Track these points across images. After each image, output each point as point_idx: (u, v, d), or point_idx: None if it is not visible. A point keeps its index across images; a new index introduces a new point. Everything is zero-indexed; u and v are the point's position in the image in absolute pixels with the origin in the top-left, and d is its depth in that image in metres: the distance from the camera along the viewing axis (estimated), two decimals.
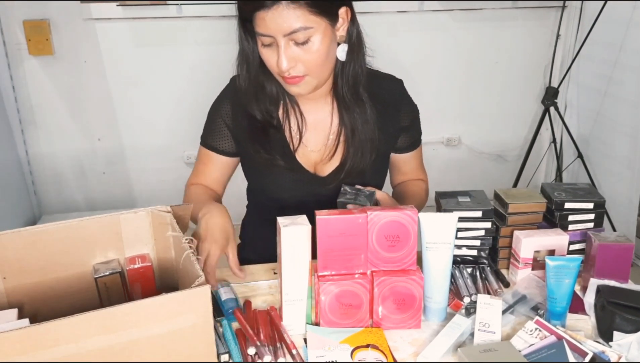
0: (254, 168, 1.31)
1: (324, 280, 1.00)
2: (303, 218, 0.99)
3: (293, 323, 1.02)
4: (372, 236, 1.00)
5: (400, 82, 1.34)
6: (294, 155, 1.27)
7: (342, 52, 1.18)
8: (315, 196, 1.27)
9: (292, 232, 0.97)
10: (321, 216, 0.98)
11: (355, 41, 1.20)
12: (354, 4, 1.18)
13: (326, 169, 1.28)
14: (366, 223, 0.99)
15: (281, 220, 0.99)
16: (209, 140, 1.32)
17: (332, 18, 1.13)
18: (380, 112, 1.27)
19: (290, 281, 1.00)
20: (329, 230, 0.98)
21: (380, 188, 1.30)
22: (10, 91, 2.46)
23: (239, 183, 1.40)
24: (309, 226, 0.97)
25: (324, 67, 1.16)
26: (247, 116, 1.26)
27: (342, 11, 1.15)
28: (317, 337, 1.00)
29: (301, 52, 1.11)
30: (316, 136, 1.29)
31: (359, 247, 1.00)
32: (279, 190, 1.29)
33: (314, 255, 1.00)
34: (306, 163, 1.28)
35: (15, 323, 0.84)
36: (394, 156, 1.37)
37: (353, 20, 1.18)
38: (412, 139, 1.36)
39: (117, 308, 0.73)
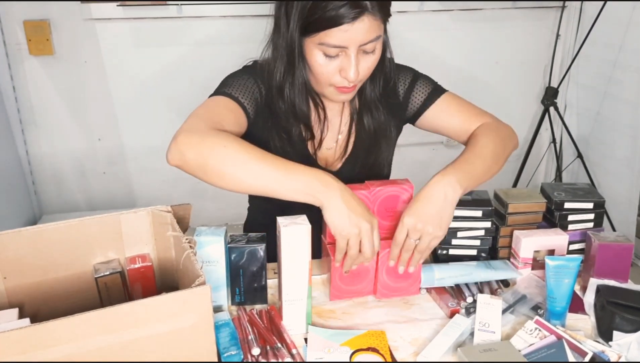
0: None
1: (334, 251, 1.04)
2: (303, 218, 1.00)
3: (293, 323, 1.03)
4: (374, 210, 1.10)
5: (392, 60, 1.28)
6: (311, 155, 1.24)
7: None
8: None
9: (292, 232, 0.97)
10: None
11: (387, 45, 1.19)
12: None
13: (336, 165, 1.27)
14: (369, 199, 1.09)
15: (281, 220, 0.99)
16: (236, 93, 1.15)
17: (386, 24, 1.11)
18: (388, 109, 1.25)
19: (290, 281, 1.00)
20: None
21: (387, 173, 1.32)
22: (10, 91, 2.46)
23: None
24: (309, 226, 0.98)
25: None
26: (276, 109, 1.19)
27: None
28: (318, 338, 1.00)
29: (366, 60, 1.09)
30: (330, 136, 1.27)
31: None
32: None
33: (314, 255, 1.01)
34: (323, 163, 1.27)
35: (16, 323, 0.84)
36: (426, 120, 1.27)
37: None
38: (424, 90, 1.27)
39: (117, 308, 0.73)
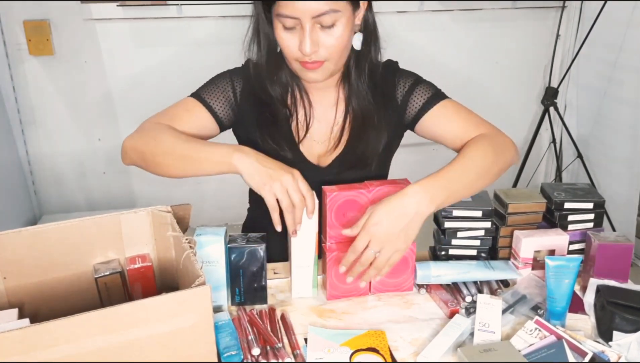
0: None
1: (331, 250, 1.10)
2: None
3: (301, 287, 1.12)
4: None
5: (394, 64, 1.30)
6: (298, 147, 1.25)
7: (357, 41, 1.17)
8: (315, 188, 1.23)
9: None
10: (330, 191, 1.08)
11: (372, 30, 1.19)
12: None
13: (328, 160, 1.26)
14: (369, 198, 1.10)
15: None
16: (204, 94, 1.23)
17: (355, 4, 1.11)
18: (380, 104, 1.24)
19: (298, 250, 1.09)
20: (337, 203, 1.09)
21: (381, 174, 1.31)
22: (10, 91, 2.46)
23: (242, 183, 1.40)
24: (317, 201, 1.06)
25: (343, 54, 1.14)
26: (257, 103, 1.23)
27: None
28: (318, 338, 1.00)
29: (325, 36, 1.09)
30: (321, 128, 1.26)
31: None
32: None
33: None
34: (310, 155, 1.26)
35: (16, 323, 0.84)
36: (424, 125, 1.24)
37: (370, 8, 1.17)
38: (424, 95, 1.24)
39: (117, 308, 0.73)
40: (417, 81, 1.27)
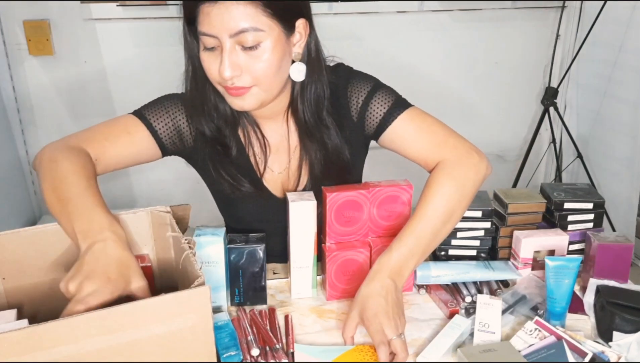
0: (222, 195, 1.21)
1: (331, 250, 1.10)
2: (310, 194, 1.11)
3: (300, 288, 1.12)
4: (373, 210, 1.12)
5: (345, 69, 1.17)
6: (261, 181, 1.18)
7: (297, 72, 1.06)
8: (284, 221, 1.13)
9: (300, 207, 1.07)
10: (330, 192, 1.09)
11: (314, 60, 1.08)
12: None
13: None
14: (368, 199, 1.10)
15: (290, 196, 1.09)
16: (146, 112, 1.12)
17: (287, 26, 1.01)
18: (336, 124, 1.14)
19: (298, 251, 1.10)
20: (336, 204, 1.09)
21: None
22: (10, 91, 2.46)
23: None
24: (315, 202, 1.07)
25: (274, 80, 1.02)
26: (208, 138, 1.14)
27: (300, 24, 1.03)
28: (307, 357, 0.97)
29: (248, 59, 0.98)
30: (279, 158, 1.19)
31: (362, 218, 1.12)
32: (246, 218, 1.21)
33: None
34: (274, 188, 1.19)
35: (15, 323, 0.84)
36: (387, 140, 1.15)
37: (312, 36, 1.07)
38: (382, 106, 1.13)
39: (116, 308, 0.73)
40: (373, 89, 1.14)
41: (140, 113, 1.13)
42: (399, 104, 1.14)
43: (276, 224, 1.17)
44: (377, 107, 1.14)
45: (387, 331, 0.94)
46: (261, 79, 1.01)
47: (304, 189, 1.19)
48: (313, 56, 1.08)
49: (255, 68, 0.99)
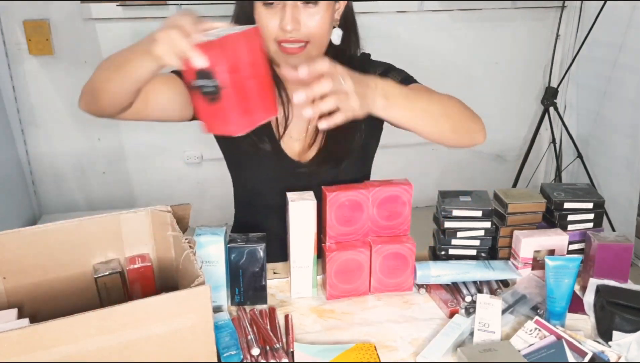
0: (237, 156, 1.27)
1: (331, 250, 1.09)
2: (310, 194, 1.10)
3: (300, 287, 1.12)
4: (373, 210, 1.11)
5: (366, 56, 1.27)
6: (279, 143, 1.24)
7: (336, 36, 1.16)
8: (292, 182, 1.20)
9: (299, 207, 1.07)
10: (330, 191, 1.09)
11: (351, 26, 1.19)
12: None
13: (306, 157, 1.25)
14: (368, 198, 1.10)
15: (290, 195, 1.09)
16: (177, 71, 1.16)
17: None
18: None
19: (297, 251, 1.10)
20: (336, 203, 1.09)
21: (365, 178, 1.27)
22: (10, 91, 2.47)
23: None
24: (315, 201, 1.07)
25: (324, 39, 1.13)
26: None
27: None
28: (306, 356, 0.97)
29: (306, 16, 1.08)
30: (299, 125, 1.26)
31: (362, 218, 1.11)
32: (261, 179, 1.26)
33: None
34: (290, 152, 1.25)
35: (15, 323, 0.84)
36: None
37: (349, 6, 1.18)
38: (395, 79, 1.20)
39: (117, 308, 0.73)
40: (387, 69, 1.25)
41: (179, 72, 1.16)
42: (408, 78, 1.24)
43: (283, 185, 1.17)
44: (391, 79, 1.16)
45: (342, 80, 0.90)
46: (316, 36, 1.10)
47: (313, 160, 1.24)
48: (350, 23, 1.19)
49: (312, 25, 1.09)
